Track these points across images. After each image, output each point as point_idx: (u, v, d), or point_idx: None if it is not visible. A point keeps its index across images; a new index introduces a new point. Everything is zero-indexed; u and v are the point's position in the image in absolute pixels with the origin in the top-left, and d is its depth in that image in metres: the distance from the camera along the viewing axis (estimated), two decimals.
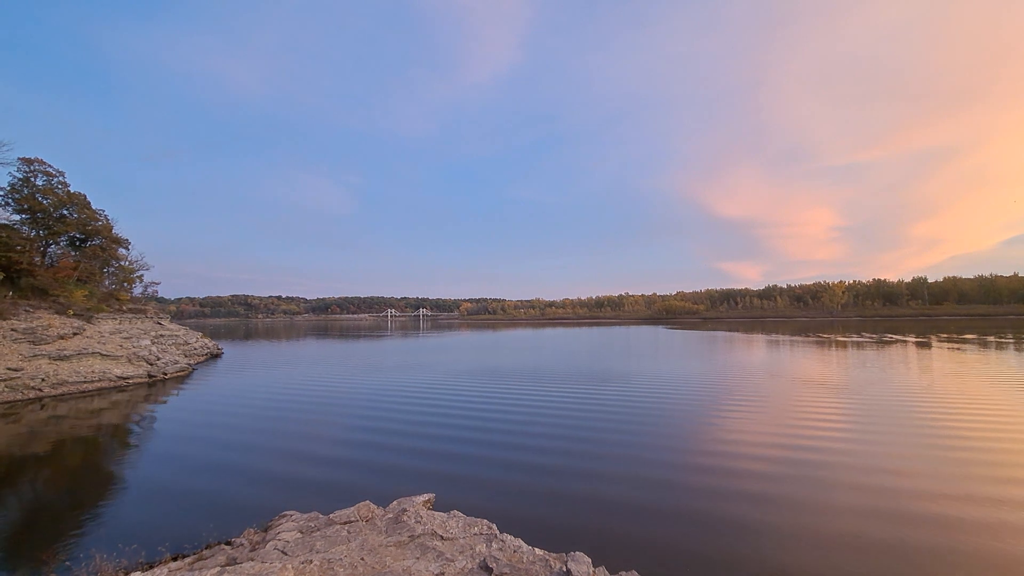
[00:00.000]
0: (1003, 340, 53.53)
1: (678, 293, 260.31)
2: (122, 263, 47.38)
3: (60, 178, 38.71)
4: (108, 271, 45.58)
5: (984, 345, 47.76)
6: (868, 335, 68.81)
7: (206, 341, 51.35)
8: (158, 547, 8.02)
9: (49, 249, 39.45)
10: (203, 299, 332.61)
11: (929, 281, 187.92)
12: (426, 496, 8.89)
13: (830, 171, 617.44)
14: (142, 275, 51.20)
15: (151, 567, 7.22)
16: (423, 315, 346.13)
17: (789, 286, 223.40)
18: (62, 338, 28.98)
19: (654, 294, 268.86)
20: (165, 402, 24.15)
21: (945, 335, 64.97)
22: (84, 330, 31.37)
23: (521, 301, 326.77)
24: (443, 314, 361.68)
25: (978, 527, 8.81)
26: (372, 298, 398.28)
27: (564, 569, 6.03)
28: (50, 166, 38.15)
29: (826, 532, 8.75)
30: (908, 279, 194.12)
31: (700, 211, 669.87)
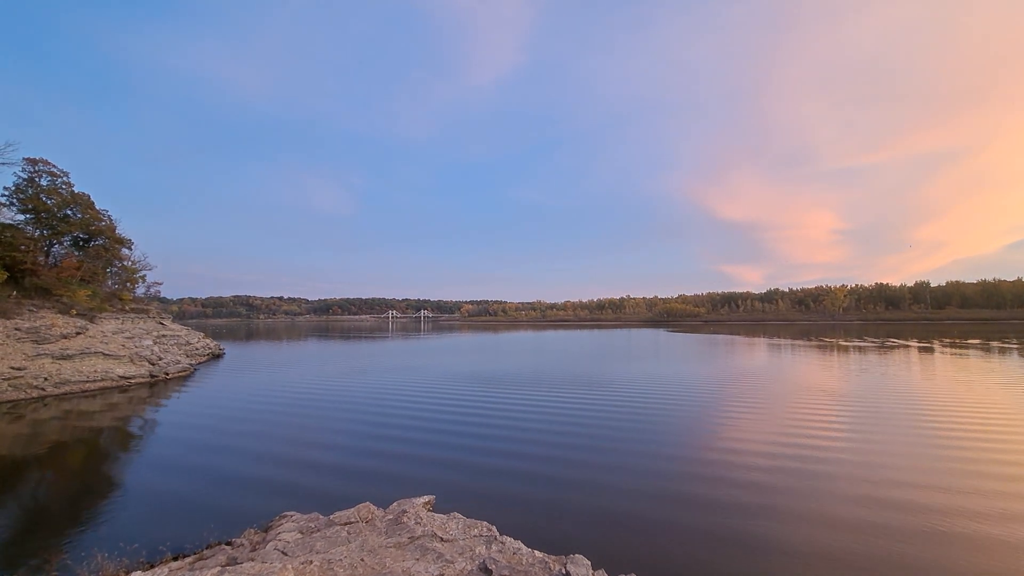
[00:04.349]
0: (1007, 345, 53.27)
1: (679, 296, 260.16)
2: (125, 263, 47.57)
3: (64, 178, 38.94)
4: (111, 271, 45.74)
5: (988, 351, 47.55)
6: (870, 339, 68.59)
7: (208, 341, 51.49)
8: (159, 547, 8.03)
9: (53, 249, 39.66)
10: (205, 299, 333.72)
11: (932, 285, 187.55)
12: (426, 498, 8.90)
13: (832, 174, 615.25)
14: (145, 275, 51.42)
15: (152, 567, 7.24)
16: (424, 316, 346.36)
17: (791, 289, 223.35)
18: (65, 338, 29.10)
19: (655, 297, 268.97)
20: (167, 402, 24.22)
21: (948, 340, 64.73)
22: (87, 330, 31.50)
23: (522, 303, 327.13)
24: (444, 316, 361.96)
25: (990, 541, 8.72)
26: (373, 299, 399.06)
27: (563, 571, 6.03)
28: (54, 166, 38.40)
29: (829, 542, 8.70)
30: (911, 283, 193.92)
31: (702, 214, 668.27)
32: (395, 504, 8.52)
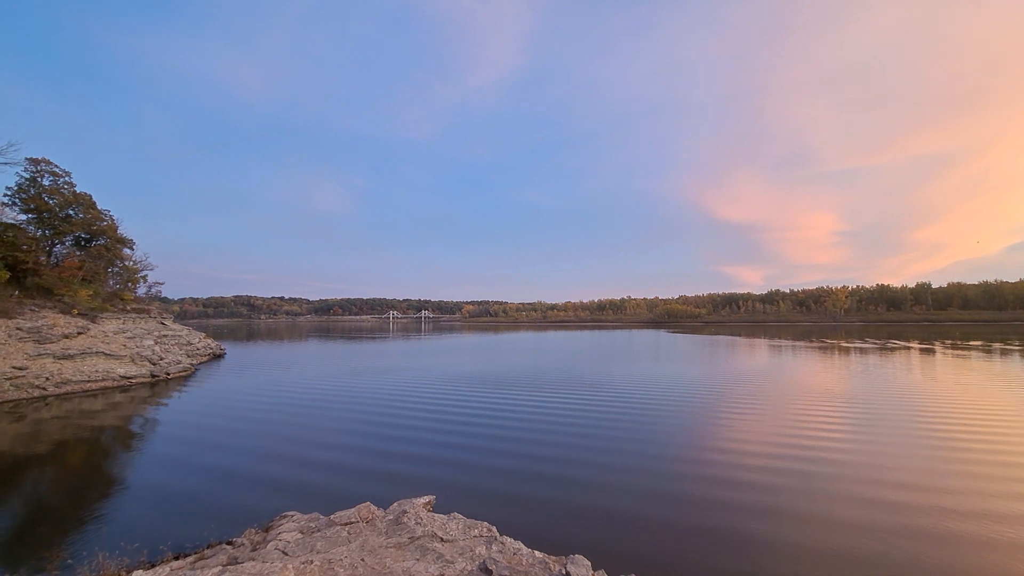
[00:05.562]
0: (1009, 347, 53.14)
1: (680, 297, 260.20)
2: (126, 263, 47.64)
3: (66, 178, 39.01)
4: (113, 271, 45.80)
5: (990, 352, 47.44)
6: (872, 341, 68.46)
7: (209, 341, 51.52)
8: (160, 546, 8.05)
9: (54, 249, 39.72)
10: (206, 299, 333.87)
11: (933, 286, 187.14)
12: (427, 498, 8.90)
13: (833, 176, 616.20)
14: (146, 275, 51.49)
15: (153, 566, 7.25)
16: (425, 317, 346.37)
17: (792, 291, 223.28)
18: (66, 337, 29.15)
19: (656, 297, 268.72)
20: (168, 402, 24.25)
21: (950, 341, 64.58)
22: (88, 329, 31.56)
23: (523, 304, 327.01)
24: (445, 316, 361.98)
25: (991, 544, 8.70)
26: (374, 300, 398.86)
27: (564, 572, 6.03)
28: (57, 166, 38.47)
29: (829, 544, 8.70)
30: (912, 284, 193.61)
31: (703, 215, 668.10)
32: (395, 504, 8.52)
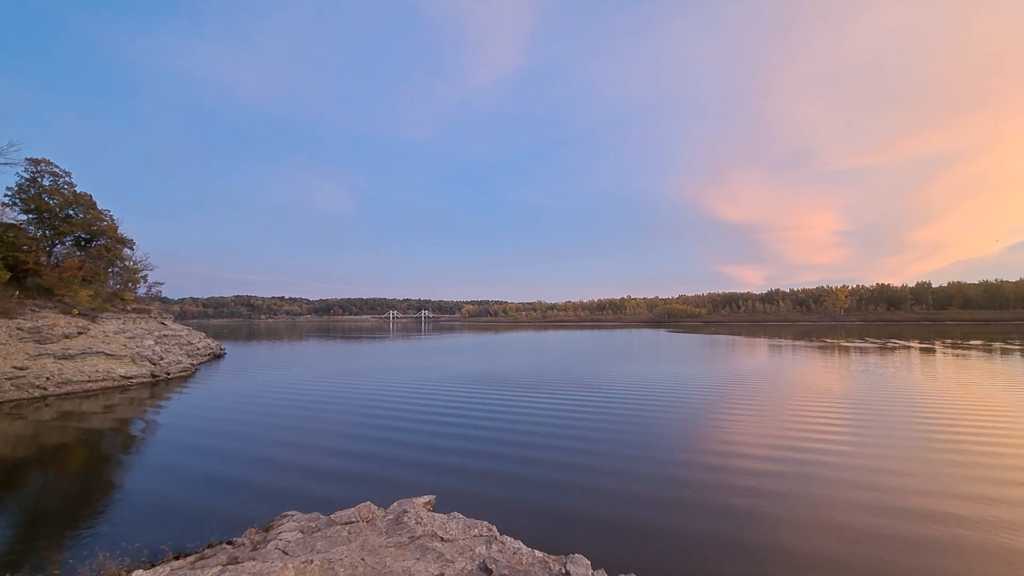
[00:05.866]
0: (1009, 346, 53.12)
1: (680, 296, 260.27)
2: (127, 263, 47.66)
3: (67, 178, 39.01)
4: (113, 271, 45.82)
5: (990, 351, 47.42)
6: (872, 340, 68.46)
7: (209, 341, 51.55)
8: (160, 546, 8.06)
9: (55, 249, 39.72)
10: (206, 300, 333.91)
11: (933, 286, 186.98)
12: (427, 498, 8.91)
13: (833, 176, 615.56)
14: (146, 275, 51.55)
15: (153, 565, 7.25)
16: (425, 317, 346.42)
17: (792, 290, 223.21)
18: (67, 337, 29.17)
19: (656, 297, 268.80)
20: (168, 402, 24.27)
21: (950, 341, 64.58)
22: (88, 329, 31.57)
23: (523, 303, 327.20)
24: (445, 316, 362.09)
25: (989, 548, 8.68)
26: (375, 299, 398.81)
27: (563, 571, 6.04)
28: (57, 166, 38.47)
29: (828, 548, 8.70)
30: (912, 284, 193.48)
31: (703, 215, 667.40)
32: (396, 504, 8.53)
